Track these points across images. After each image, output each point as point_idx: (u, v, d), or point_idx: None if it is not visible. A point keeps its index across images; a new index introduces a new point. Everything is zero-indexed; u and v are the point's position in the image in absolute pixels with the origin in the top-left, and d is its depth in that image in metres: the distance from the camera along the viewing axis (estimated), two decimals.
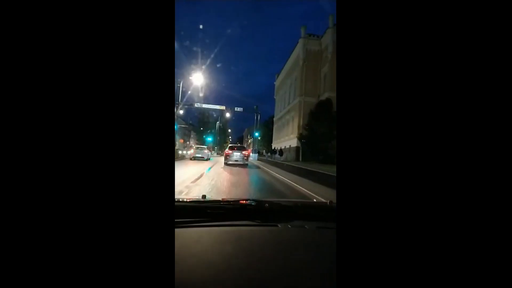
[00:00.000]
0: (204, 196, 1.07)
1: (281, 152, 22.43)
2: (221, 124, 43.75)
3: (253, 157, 20.19)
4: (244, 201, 0.98)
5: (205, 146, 16.92)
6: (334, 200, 0.63)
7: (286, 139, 24.18)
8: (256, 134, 22.49)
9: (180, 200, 0.98)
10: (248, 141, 77.84)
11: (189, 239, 0.62)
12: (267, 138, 39.88)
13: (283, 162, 13.16)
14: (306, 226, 0.77)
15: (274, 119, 31.81)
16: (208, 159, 15.48)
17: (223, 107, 20.40)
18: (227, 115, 35.41)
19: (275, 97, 32.25)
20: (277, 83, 31.70)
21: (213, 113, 37.92)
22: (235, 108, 20.77)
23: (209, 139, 33.47)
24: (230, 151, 10.94)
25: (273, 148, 26.85)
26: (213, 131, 39.40)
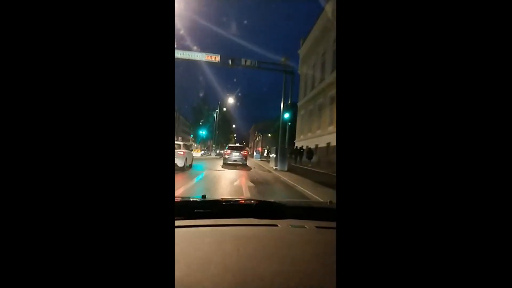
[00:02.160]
0: (204, 196, 1.04)
1: (310, 153, 13.36)
2: (219, 121, 33.63)
3: (279, 164, 9.74)
4: (244, 201, 1.00)
5: (180, 143, 8.66)
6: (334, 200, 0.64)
7: (327, 132, 13.96)
8: (287, 115, 11.82)
9: (180, 200, 0.97)
10: (256, 139, 67.74)
11: (189, 239, 0.63)
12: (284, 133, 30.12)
13: None
14: (305, 226, 0.77)
15: (299, 104, 21.34)
16: (186, 167, 8.27)
17: (216, 58, 9.98)
18: (230, 101, 25.80)
19: (299, 72, 21.81)
20: (303, 51, 21.39)
21: (212, 111, 27.62)
22: (242, 60, 10.19)
23: (203, 132, 22.60)
24: (229, 151, 10.65)
25: (296, 147, 16.65)
26: (208, 125, 28.63)
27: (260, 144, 58.76)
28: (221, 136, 35.97)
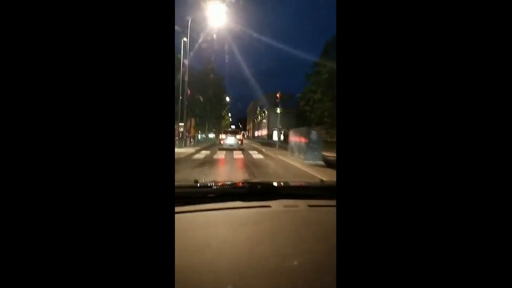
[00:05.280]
0: (196, 181, 1.03)
1: None
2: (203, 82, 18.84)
3: None
4: (236, 184, 0.99)
5: None
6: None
7: None
8: None
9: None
10: (257, 117, 52.99)
11: (182, 224, 0.62)
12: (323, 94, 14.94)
13: None
14: (298, 205, 0.78)
15: None
16: None
17: None
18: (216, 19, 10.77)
19: None
20: None
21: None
22: None
23: None
24: (225, 136, 11.29)
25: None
26: None
27: (265, 125, 44.38)
28: (207, 112, 21.50)
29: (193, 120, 21.12)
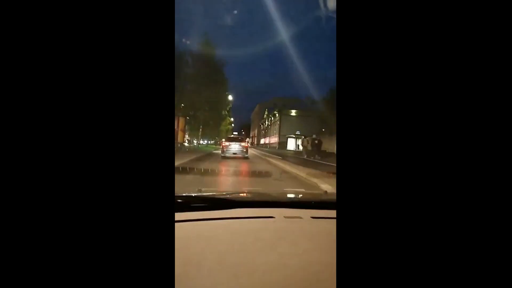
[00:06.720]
0: (200, 190, 1.05)
1: None
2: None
3: None
4: (239, 194, 1.01)
5: None
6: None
7: None
8: None
9: (176, 194, 1.02)
10: (265, 122, 46.00)
11: (185, 233, 0.63)
12: None
13: None
14: (301, 217, 0.78)
15: None
16: None
17: None
18: None
19: None
20: None
21: None
22: None
23: None
24: (228, 143, 10.33)
25: None
26: None
27: (276, 131, 37.79)
28: (201, 109, 15.04)
29: (181, 120, 14.61)
